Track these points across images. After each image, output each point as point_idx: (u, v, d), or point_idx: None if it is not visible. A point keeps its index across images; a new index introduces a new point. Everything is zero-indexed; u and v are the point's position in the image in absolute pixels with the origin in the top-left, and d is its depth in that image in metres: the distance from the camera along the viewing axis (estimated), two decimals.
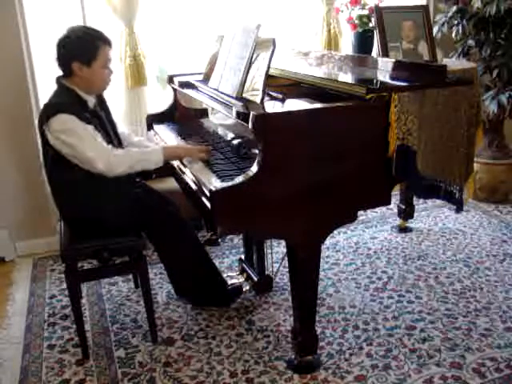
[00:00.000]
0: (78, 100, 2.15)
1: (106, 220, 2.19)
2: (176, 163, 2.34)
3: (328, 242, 3.14)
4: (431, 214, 3.61)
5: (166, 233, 2.33)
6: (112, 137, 2.29)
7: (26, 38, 3.01)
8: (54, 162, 2.16)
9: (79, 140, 2.03)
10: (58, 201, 2.28)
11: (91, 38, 2.13)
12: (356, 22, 2.94)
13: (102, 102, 2.34)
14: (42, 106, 2.19)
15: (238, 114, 1.90)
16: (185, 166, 2.23)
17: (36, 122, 3.06)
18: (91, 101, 2.22)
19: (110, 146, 2.13)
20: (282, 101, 2.10)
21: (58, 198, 2.26)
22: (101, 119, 2.24)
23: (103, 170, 2.07)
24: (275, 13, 3.59)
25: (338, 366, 2.12)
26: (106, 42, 2.16)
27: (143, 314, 2.43)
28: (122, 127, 2.53)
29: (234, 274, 2.75)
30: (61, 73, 2.19)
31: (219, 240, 3.27)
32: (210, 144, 2.43)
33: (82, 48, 2.11)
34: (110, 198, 2.19)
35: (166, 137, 2.69)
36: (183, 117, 2.91)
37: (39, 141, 3.09)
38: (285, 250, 2.04)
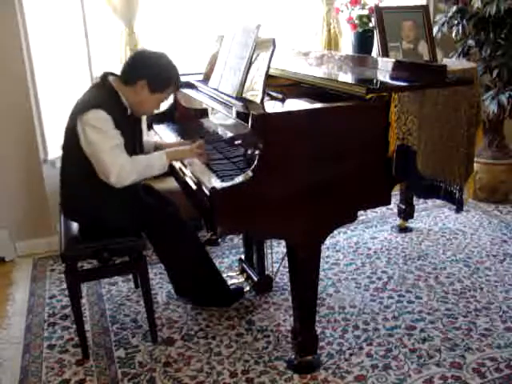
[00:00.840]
0: (119, 103, 2.13)
1: (107, 219, 2.19)
2: (176, 164, 2.35)
3: (328, 241, 3.14)
4: (431, 214, 3.61)
5: (166, 233, 2.33)
6: (136, 146, 2.26)
7: (26, 38, 3.01)
8: (72, 159, 2.13)
9: (100, 141, 2.01)
10: (63, 196, 2.26)
11: (173, 73, 2.16)
12: (356, 22, 2.94)
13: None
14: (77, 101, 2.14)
15: (238, 114, 1.90)
16: (185, 165, 2.24)
17: (36, 121, 3.09)
18: (129, 109, 2.19)
19: (126, 161, 2.06)
20: (282, 101, 2.10)
21: (64, 194, 2.25)
22: (132, 128, 2.21)
23: (112, 181, 2.05)
24: (275, 13, 3.59)
25: (338, 366, 2.12)
26: (178, 86, 2.22)
27: (143, 314, 2.43)
28: (146, 134, 2.50)
29: (234, 274, 2.75)
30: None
31: (219, 240, 3.27)
32: (210, 144, 2.43)
33: (159, 75, 2.12)
34: (110, 197, 2.18)
35: (166, 137, 2.69)
36: (183, 117, 2.91)
37: (40, 142, 3.12)
38: (285, 250, 2.04)
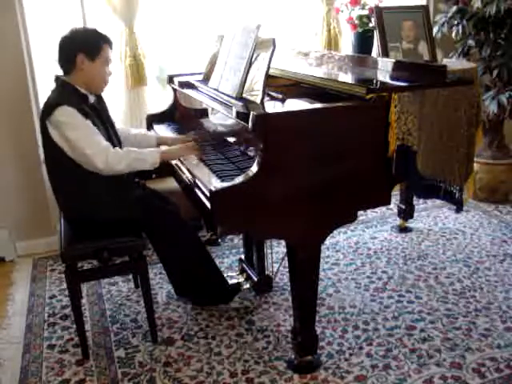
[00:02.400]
0: (78, 95, 2.18)
1: (106, 220, 2.19)
2: (175, 162, 2.35)
3: (328, 241, 3.14)
4: (431, 214, 3.61)
5: (166, 233, 2.34)
6: (111, 134, 2.30)
7: (26, 38, 3.01)
8: (55, 162, 2.18)
9: (79, 135, 2.05)
10: (59, 200, 2.29)
11: (96, 35, 2.21)
12: (356, 22, 2.94)
13: (100, 100, 2.35)
14: (42, 106, 2.20)
15: (238, 114, 1.90)
16: (185, 165, 2.24)
17: (36, 121, 3.09)
18: (91, 97, 2.24)
19: (108, 144, 2.14)
20: (282, 101, 2.10)
21: (60, 198, 2.27)
22: (100, 115, 2.25)
23: (101, 168, 2.08)
24: (275, 13, 3.59)
25: (338, 366, 2.12)
26: (110, 43, 2.24)
27: (143, 314, 2.43)
28: (119, 124, 2.53)
29: (234, 274, 2.75)
30: (59, 72, 2.21)
31: (219, 240, 3.28)
32: (210, 144, 2.43)
33: (88, 42, 2.18)
34: (110, 197, 2.19)
35: (166, 135, 2.69)
36: (183, 117, 2.91)
37: (40, 141, 3.12)
38: (285, 250, 2.04)
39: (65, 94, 2.14)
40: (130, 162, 2.14)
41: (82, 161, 2.09)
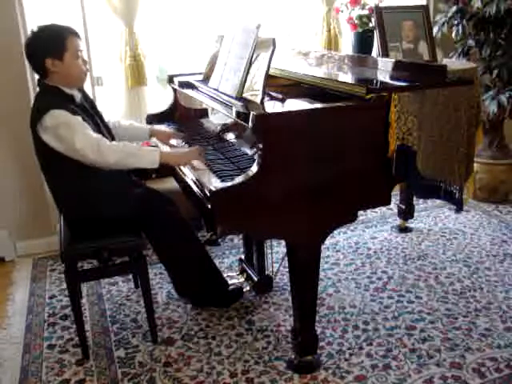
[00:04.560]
0: (64, 96, 2.16)
1: (106, 220, 2.19)
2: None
3: (328, 242, 3.13)
4: (431, 214, 3.61)
5: (166, 233, 2.33)
6: (101, 127, 2.29)
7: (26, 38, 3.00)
8: (52, 166, 2.17)
9: (72, 133, 2.03)
10: (59, 203, 2.29)
11: (56, 31, 2.14)
12: (356, 22, 2.94)
13: (84, 95, 2.34)
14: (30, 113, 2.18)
15: (238, 114, 1.90)
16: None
17: None
18: (77, 96, 2.22)
19: (99, 136, 2.12)
20: (282, 101, 2.10)
21: (59, 201, 2.27)
22: (88, 112, 2.24)
23: (93, 159, 2.06)
24: (275, 13, 3.59)
25: (338, 366, 2.12)
26: (73, 33, 2.16)
27: (143, 314, 2.43)
28: (108, 117, 2.51)
29: (234, 273, 2.75)
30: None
31: (219, 240, 3.27)
32: (210, 144, 2.43)
33: (49, 43, 2.11)
34: (109, 197, 2.19)
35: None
36: (183, 117, 2.91)
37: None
38: (285, 250, 2.04)
39: (51, 97, 2.12)
40: (124, 155, 2.09)
41: (76, 156, 2.07)
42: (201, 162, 2.17)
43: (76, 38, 2.17)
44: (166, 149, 2.52)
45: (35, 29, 2.16)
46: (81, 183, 2.15)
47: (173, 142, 2.56)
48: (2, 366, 2.23)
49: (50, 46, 2.11)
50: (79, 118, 2.08)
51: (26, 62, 2.95)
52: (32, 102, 3.01)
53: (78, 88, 2.27)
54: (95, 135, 2.10)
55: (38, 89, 2.23)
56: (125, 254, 2.37)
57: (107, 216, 2.19)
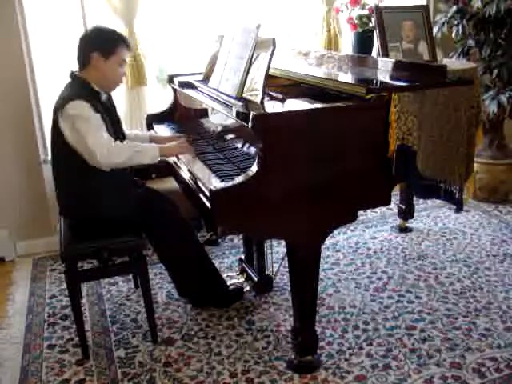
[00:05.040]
0: (91, 91, 2.21)
1: (106, 219, 2.19)
2: (173, 160, 2.37)
3: (328, 242, 3.14)
4: (431, 214, 3.61)
5: (166, 232, 2.33)
6: (117, 131, 2.32)
7: (26, 38, 3.01)
8: (61, 157, 2.19)
9: (87, 128, 2.08)
10: (60, 198, 2.29)
11: (114, 34, 2.26)
12: (356, 21, 2.94)
13: (110, 98, 2.39)
14: (55, 101, 2.21)
15: (238, 114, 1.90)
16: (185, 165, 2.24)
17: (36, 121, 3.09)
18: (103, 95, 2.28)
19: (110, 138, 2.14)
20: (282, 101, 2.10)
21: (61, 195, 2.28)
22: (109, 113, 2.28)
23: (99, 161, 2.08)
24: (275, 13, 3.59)
25: (338, 366, 2.12)
26: (126, 44, 2.28)
27: (143, 314, 2.43)
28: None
29: (234, 273, 2.75)
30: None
31: (219, 240, 3.27)
32: (210, 144, 2.43)
33: (104, 40, 2.23)
34: (110, 196, 2.19)
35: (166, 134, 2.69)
36: (183, 117, 2.91)
37: (38, 141, 3.13)
38: (285, 250, 2.04)
39: (78, 88, 2.18)
40: (131, 154, 2.15)
41: (83, 152, 2.10)
42: (190, 152, 2.30)
43: (127, 50, 2.29)
44: None
45: (95, 25, 2.29)
46: (85, 179, 2.16)
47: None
48: (2, 366, 2.23)
49: (104, 43, 2.22)
50: (98, 116, 2.12)
51: (26, 62, 2.99)
52: (32, 102, 3.06)
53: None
54: (107, 137, 2.12)
55: (69, 79, 2.28)
56: (125, 253, 2.37)
57: (107, 216, 2.20)
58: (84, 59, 2.23)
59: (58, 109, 2.12)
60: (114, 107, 2.41)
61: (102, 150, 2.07)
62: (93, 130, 2.08)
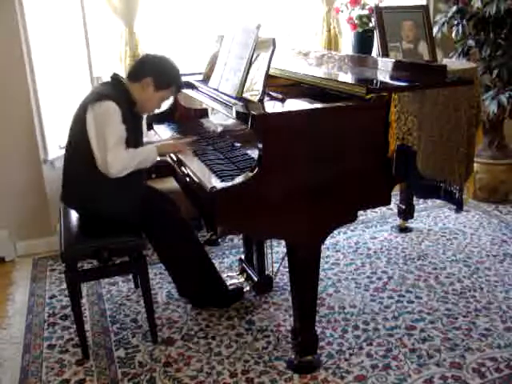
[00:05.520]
0: (128, 99, 2.22)
1: (107, 217, 2.20)
2: (173, 158, 2.36)
3: (328, 242, 3.14)
4: (431, 214, 3.61)
5: (166, 232, 2.34)
6: (138, 143, 2.31)
7: (26, 38, 3.00)
8: (77, 148, 2.20)
9: (111, 136, 2.08)
10: (66, 189, 2.29)
11: (176, 74, 2.31)
12: (356, 22, 2.94)
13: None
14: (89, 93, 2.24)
15: (238, 114, 1.90)
16: (185, 165, 2.24)
17: (36, 121, 3.09)
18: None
19: (126, 152, 2.15)
20: (282, 101, 2.10)
21: (67, 187, 2.28)
22: (137, 124, 2.30)
23: (112, 175, 2.10)
24: (275, 13, 3.59)
25: (338, 366, 2.12)
26: (180, 87, 2.38)
27: (143, 314, 2.43)
28: (146, 136, 2.60)
29: (234, 273, 2.75)
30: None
31: (219, 240, 3.27)
32: (210, 144, 2.43)
33: (163, 73, 2.26)
34: (113, 185, 2.17)
35: (166, 137, 2.69)
36: (183, 117, 2.91)
37: (39, 141, 3.12)
38: (285, 250, 2.04)
39: (117, 91, 2.19)
40: (136, 165, 2.17)
41: (98, 159, 2.11)
42: (186, 150, 2.32)
43: (176, 92, 2.40)
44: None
45: (168, 56, 2.33)
46: (93, 174, 2.14)
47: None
48: (2, 366, 2.23)
49: (162, 75, 2.26)
50: (123, 128, 2.12)
51: (26, 62, 2.99)
52: (32, 102, 3.05)
53: None
54: (124, 154, 2.12)
55: (109, 79, 2.29)
56: (125, 253, 2.37)
57: (109, 213, 2.19)
58: (137, 75, 2.25)
59: (92, 101, 2.12)
60: (141, 119, 2.42)
61: (118, 167, 2.09)
62: (113, 141, 2.08)
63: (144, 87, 2.23)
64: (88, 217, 2.27)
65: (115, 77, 2.27)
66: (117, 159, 2.09)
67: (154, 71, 2.24)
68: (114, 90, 2.20)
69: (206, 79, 2.51)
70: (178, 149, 2.35)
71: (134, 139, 2.21)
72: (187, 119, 2.86)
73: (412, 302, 2.55)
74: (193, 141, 2.43)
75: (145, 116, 2.58)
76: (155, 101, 2.31)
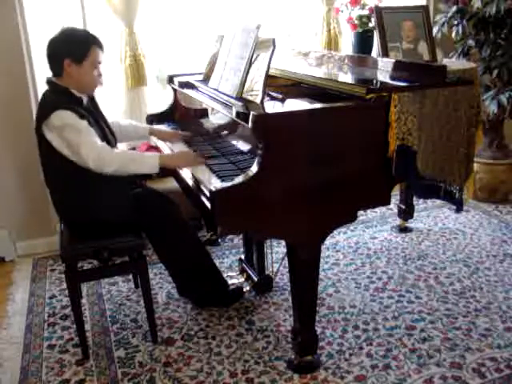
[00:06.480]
0: (73, 98, 2.18)
1: (105, 220, 2.19)
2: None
3: (328, 242, 3.14)
4: (431, 214, 3.61)
5: (167, 233, 2.33)
6: (106, 132, 2.30)
7: (26, 38, 3.00)
8: (53, 167, 2.18)
9: (77, 137, 2.06)
10: (57, 205, 2.29)
11: (84, 37, 2.19)
12: (356, 22, 2.94)
13: (92, 100, 2.36)
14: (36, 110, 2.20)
15: (238, 114, 1.90)
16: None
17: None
18: (85, 99, 2.24)
19: (103, 144, 2.13)
20: (282, 101, 2.10)
21: (58, 203, 2.28)
22: (94, 116, 2.26)
23: (94, 166, 2.07)
24: (275, 13, 3.59)
25: (338, 366, 2.12)
26: (98, 44, 2.20)
27: (143, 314, 2.43)
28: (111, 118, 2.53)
29: (234, 273, 2.75)
30: (50, 74, 2.22)
31: (219, 240, 3.28)
32: (210, 144, 2.43)
33: (74, 46, 2.15)
34: (108, 198, 2.19)
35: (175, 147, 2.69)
36: (183, 117, 2.91)
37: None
38: (285, 250, 2.04)
39: (59, 97, 2.14)
40: (126, 163, 2.12)
41: (77, 160, 2.09)
42: (200, 162, 2.19)
43: (99, 50, 2.20)
44: (166, 149, 2.53)
45: (64, 28, 2.19)
46: (82, 185, 2.14)
47: (176, 145, 2.56)
48: (2, 366, 2.23)
49: (74, 48, 2.14)
50: (85, 123, 2.09)
51: (27, 62, 2.99)
52: (32, 102, 3.05)
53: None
54: (99, 143, 2.10)
55: (46, 87, 2.23)
56: (125, 253, 2.37)
57: (106, 217, 2.19)
58: (57, 66, 2.16)
59: (42, 118, 2.08)
60: (98, 108, 2.37)
61: (94, 156, 2.05)
62: (83, 138, 2.05)
63: (71, 71, 2.14)
64: (87, 223, 2.26)
65: (50, 80, 2.20)
66: (88, 148, 2.04)
67: (63, 50, 2.13)
68: (55, 95, 2.15)
69: (206, 79, 2.51)
70: (189, 165, 2.18)
71: (100, 132, 2.19)
72: (187, 119, 2.87)
73: (412, 302, 2.55)
74: (191, 137, 2.41)
75: (99, 104, 2.45)
76: (89, 72, 2.17)
